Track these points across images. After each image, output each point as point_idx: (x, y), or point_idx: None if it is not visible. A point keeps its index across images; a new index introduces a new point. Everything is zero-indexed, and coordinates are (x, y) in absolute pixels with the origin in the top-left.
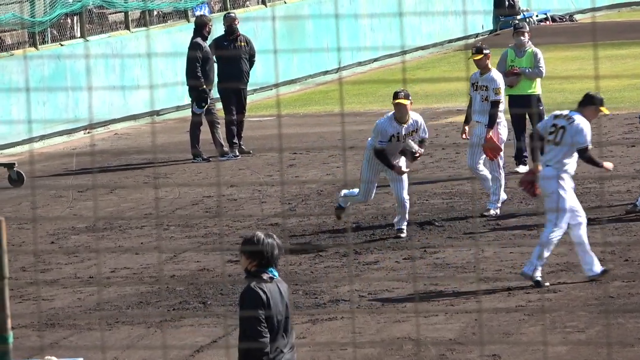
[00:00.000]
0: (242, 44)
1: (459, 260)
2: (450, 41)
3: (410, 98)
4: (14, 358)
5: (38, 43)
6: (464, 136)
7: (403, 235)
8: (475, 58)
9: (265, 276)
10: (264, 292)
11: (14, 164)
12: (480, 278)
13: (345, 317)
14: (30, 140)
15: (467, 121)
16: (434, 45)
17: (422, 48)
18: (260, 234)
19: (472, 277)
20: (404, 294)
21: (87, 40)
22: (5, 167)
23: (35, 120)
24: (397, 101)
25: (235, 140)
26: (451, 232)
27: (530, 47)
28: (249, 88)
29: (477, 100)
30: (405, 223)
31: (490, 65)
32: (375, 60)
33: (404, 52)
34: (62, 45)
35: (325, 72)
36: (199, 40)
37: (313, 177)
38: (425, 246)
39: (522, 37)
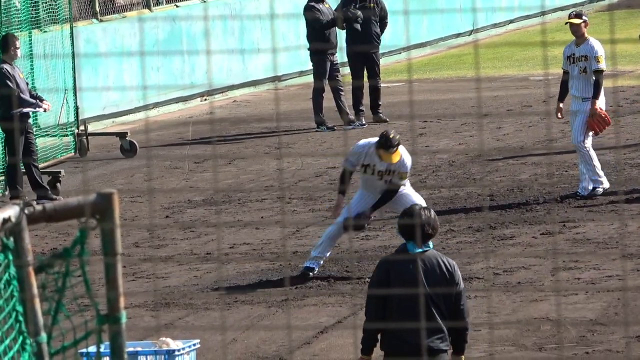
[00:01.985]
0: (372, 5)
1: (601, 235)
2: (591, 1)
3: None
4: (127, 339)
5: (152, 4)
6: (559, 115)
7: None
8: (573, 22)
9: (401, 250)
10: (387, 268)
11: (127, 133)
12: (623, 254)
13: (479, 295)
14: (144, 108)
15: (561, 98)
16: (575, 5)
17: (562, 9)
18: (416, 207)
19: (614, 253)
20: (541, 271)
21: (205, 1)
22: (117, 137)
23: (149, 87)
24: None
25: (362, 108)
26: (592, 205)
27: None
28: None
29: (575, 73)
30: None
31: (586, 34)
32: (511, 21)
33: (542, 13)
34: (177, 6)
35: (458, 35)
36: (313, 3)
37: (445, 147)
38: (565, 220)
39: None
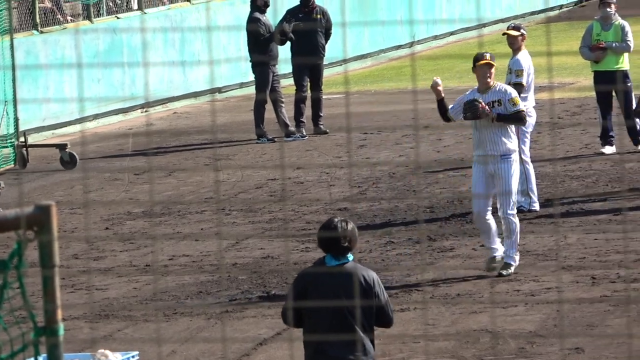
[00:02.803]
0: (318, 16)
1: (540, 247)
2: (532, 13)
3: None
4: (65, 351)
5: (92, 16)
6: None
7: None
8: (510, 33)
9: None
10: (306, 280)
11: (66, 144)
12: (562, 266)
13: (418, 307)
14: (83, 120)
15: None
16: (515, 17)
17: (502, 21)
18: (335, 219)
19: (553, 266)
20: (481, 283)
21: (145, 13)
22: (57, 148)
23: (89, 98)
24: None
25: (303, 119)
26: (532, 217)
27: (617, 19)
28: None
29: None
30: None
31: (523, 48)
32: (452, 33)
33: (482, 25)
34: (118, 18)
35: (399, 47)
36: (256, 14)
37: (385, 159)
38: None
39: (608, 9)
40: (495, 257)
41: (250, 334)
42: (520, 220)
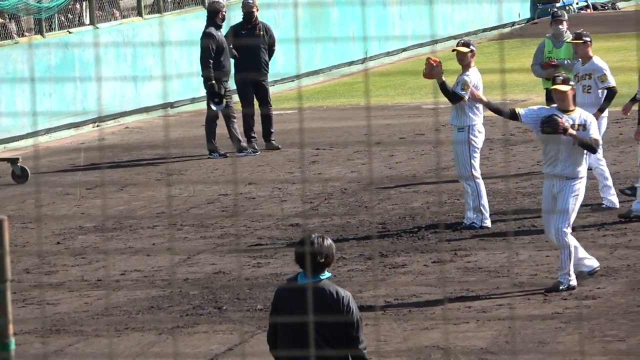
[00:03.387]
0: (261, 32)
1: (492, 264)
2: (484, 30)
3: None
4: None
5: (44, 30)
6: None
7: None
8: (460, 50)
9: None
10: (280, 297)
11: (18, 158)
12: (514, 283)
13: (369, 324)
14: (35, 134)
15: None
16: (467, 34)
17: (454, 37)
18: (313, 235)
19: (505, 282)
20: (432, 300)
21: (97, 28)
22: (8, 162)
23: (41, 113)
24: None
25: (254, 135)
26: (483, 234)
27: (569, 37)
28: (269, 79)
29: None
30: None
31: (472, 64)
32: (404, 50)
33: (434, 42)
34: (70, 32)
35: (351, 63)
36: (211, 29)
37: (337, 175)
38: (456, 249)
39: (560, 26)
40: (585, 271)
41: (201, 349)
42: (472, 237)
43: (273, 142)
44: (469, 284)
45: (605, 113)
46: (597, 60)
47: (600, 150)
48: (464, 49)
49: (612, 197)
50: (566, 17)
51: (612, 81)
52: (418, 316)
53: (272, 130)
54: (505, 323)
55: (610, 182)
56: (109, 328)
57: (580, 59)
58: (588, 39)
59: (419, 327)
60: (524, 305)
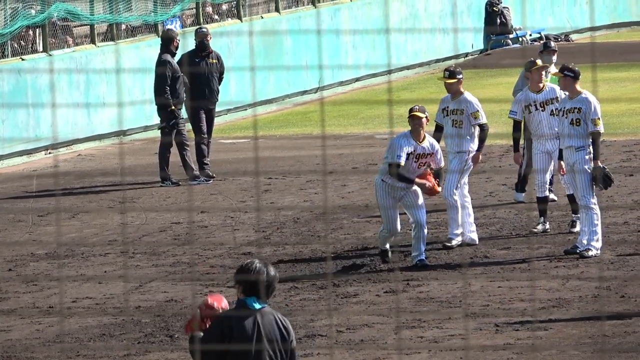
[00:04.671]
0: (214, 60)
1: (444, 294)
2: (437, 61)
3: (426, 113)
4: None
5: None
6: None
7: (428, 262)
8: (449, 82)
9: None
10: (230, 323)
11: None
12: (466, 313)
13: (322, 353)
14: None
15: None
16: (420, 65)
17: (408, 68)
18: (256, 262)
19: (458, 312)
20: (385, 330)
21: (50, 55)
22: None
23: None
24: (412, 114)
25: (207, 162)
26: (436, 264)
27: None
28: (220, 108)
29: (449, 126)
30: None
31: (462, 89)
32: (358, 79)
33: (388, 72)
34: (23, 59)
35: (304, 92)
36: (167, 56)
37: (289, 204)
38: (408, 279)
39: (553, 57)
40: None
41: None
42: (424, 267)
43: (207, 170)
44: (421, 314)
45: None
46: (586, 94)
47: (466, 187)
48: (452, 81)
49: (472, 234)
50: (557, 48)
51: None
52: (370, 346)
53: (208, 159)
54: (458, 353)
55: (472, 219)
56: (60, 355)
57: (567, 93)
58: (461, 76)
59: (371, 357)
60: (476, 336)
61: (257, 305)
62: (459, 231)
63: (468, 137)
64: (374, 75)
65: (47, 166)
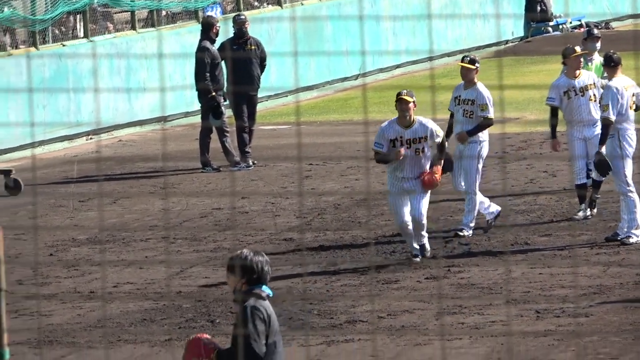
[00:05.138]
0: (253, 47)
1: (485, 280)
2: (478, 48)
3: (414, 97)
4: None
5: (38, 42)
6: None
7: (418, 259)
8: (466, 66)
9: (263, 294)
10: (266, 310)
11: (11, 170)
12: (507, 300)
13: (362, 339)
14: (29, 146)
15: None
16: (461, 51)
17: (448, 55)
18: (246, 251)
19: (499, 299)
20: (426, 315)
21: (91, 41)
22: (1, 174)
23: (35, 124)
24: (399, 98)
25: (248, 149)
26: (477, 250)
27: (599, 58)
28: (261, 94)
29: (459, 114)
30: (424, 243)
31: (476, 79)
32: (398, 66)
33: (429, 59)
34: (64, 45)
35: (345, 79)
36: (206, 43)
37: (330, 190)
38: (450, 265)
39: (597, 44)
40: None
41: None
42: (465, 253)
43: (249, 158)
44: (462, 300)
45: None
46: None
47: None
48: (471, 66)
49: (490, 208)
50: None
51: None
52: (411, 332)
53: (250, 146)
54: (499, 339)
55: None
56: (102, 340)
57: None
58: (478, 65)
59: (412, 343)
60: (517, 322)
61: (271, 292)
62: (473, 224)
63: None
64: (415, 62)
65: (88, 151)
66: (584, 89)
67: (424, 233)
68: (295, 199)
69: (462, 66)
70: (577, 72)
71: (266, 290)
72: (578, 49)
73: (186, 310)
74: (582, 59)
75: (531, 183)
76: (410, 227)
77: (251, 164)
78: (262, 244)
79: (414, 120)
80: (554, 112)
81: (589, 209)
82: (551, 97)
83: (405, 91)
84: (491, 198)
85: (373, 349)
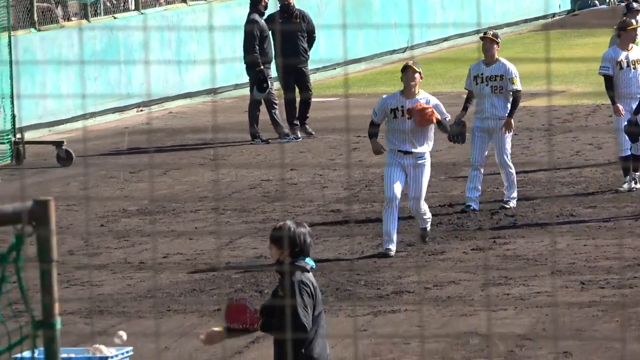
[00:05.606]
0: (298, 20)
1: (531, 252)
2: (525, 21)
3: (420, 69)
4: (61, 345)
5: (90, 15)
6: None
7: (392, 254)
8: (491, 38)
9: (307, 266)
10: (312, 283)
11: (63, 142)
12: (552, 271)
13: (409, 309)
14: (80, 118)
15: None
16: (508, 25)
17: (496, 27)
18: (289, 222)
19: (544, 270)
20: (471, 287)
21: (142, 13)
22: (53, 145)
23: (86, 96)
24: (406, 66)
25: (296, 122)
26: (523, 222)
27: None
28: (310, 67)
29: (488, 92)
30: (425, 227)
31: (497, 55)
32: (446, 39)
33: (476, 32)
34: (115, 17)
35: (393, 51)
36: (255, 16)
37: (377, 162)
38: (495, 237)
39: (638, 17)
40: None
41: None
42: (511, 225)
43: (307, 127)
44: (508, 272)
45: None
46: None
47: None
48: (495, 39)
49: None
50: None
51: None
52: (457, 302)
53: (308, 116)
54: (544, 310)
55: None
56: (152, 310)
57: None
58: (500, 40)
59: (458, 313)
60: (562, 293)
61: (314, 264)
62: (515, 194)
63: (509, 103)
64: (462, 35)
65: (138, 123)
66: (635, 62)
67: (426, 217)
68: (343, 170)
69: (486, 39)
70: (631, 45)
71: (309, 262)
72: (634, 22)
73: (235, 280)
74: (637, 33)
75: (577, 155)
76: (396, 203)
77: (299, 135)
78: (310, 215)
79: (418, 92)
80: (608, 82)
81: (633, 182)
82: (605, 67)
83: (411, 61)
84: (537, 170)
85: (419, 320)
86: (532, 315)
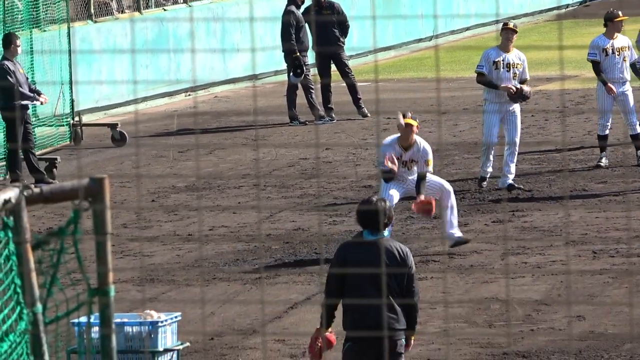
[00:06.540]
0: (327, 12)
1: (547, 223)
2: (541, 12)
3: (417, 121)
4: (115, 311)
5: (142, 8)
6: None
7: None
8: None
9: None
10: (341, 250)
11: (117, 124)
12: (566, 241)
13: (435, 277)
14: (133, 102)
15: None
16: (525, 15)
17: (514, 17)
18: (374, 197)
19: (559, 240)
20: (492, 256)
21: (190, 6)
22: (108, 127)
23: (138, 82)
24: (406, 122)
25: (331, 105)
26: (539, 196)
27: None
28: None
29: (508, 78)
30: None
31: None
32: (468, 29)
33: (495, 22)
34: (165, 10)
35: (419, 40)
36: (292, 7)
37: None
38: (514, 210)
39: None
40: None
41: (282, 298)
42: (529, 199)
43: (363, 109)
44: (526, 242)
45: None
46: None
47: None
48: (516, 29)
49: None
50: None
51: None
52: (479, 270)
53: (359, 97)
54: (558, 277)
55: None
56: (198, 278)
57: None
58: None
59: (480, 281)
60: (575, 262)
61: (371, 236)
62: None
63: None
64: (483, 25)
65: (186, 107)
66: (620, 49)
67: (455, 222)
68: (374, 149)
69: (509, 30)
70: (616, 34)
71: (366, 235)
72: (620, 13)
73: (275, 251)
74: (622, 24)
75: (589, 135)
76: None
77: (334, 117)
78: (344, 190)
79: (414, 142)
80: (596, 67)
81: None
82: (593, 53)
83: (409, 114)
84: (552, 151)
85: (444, 286)
86: (548, 282)
